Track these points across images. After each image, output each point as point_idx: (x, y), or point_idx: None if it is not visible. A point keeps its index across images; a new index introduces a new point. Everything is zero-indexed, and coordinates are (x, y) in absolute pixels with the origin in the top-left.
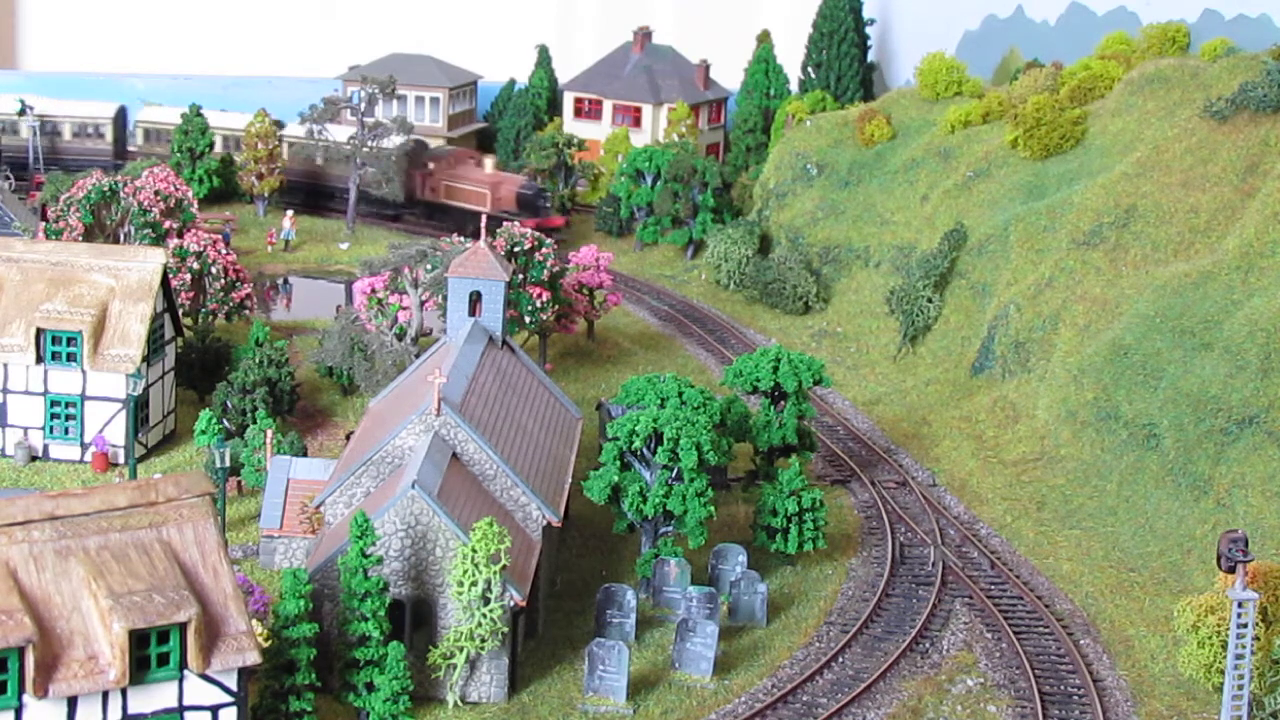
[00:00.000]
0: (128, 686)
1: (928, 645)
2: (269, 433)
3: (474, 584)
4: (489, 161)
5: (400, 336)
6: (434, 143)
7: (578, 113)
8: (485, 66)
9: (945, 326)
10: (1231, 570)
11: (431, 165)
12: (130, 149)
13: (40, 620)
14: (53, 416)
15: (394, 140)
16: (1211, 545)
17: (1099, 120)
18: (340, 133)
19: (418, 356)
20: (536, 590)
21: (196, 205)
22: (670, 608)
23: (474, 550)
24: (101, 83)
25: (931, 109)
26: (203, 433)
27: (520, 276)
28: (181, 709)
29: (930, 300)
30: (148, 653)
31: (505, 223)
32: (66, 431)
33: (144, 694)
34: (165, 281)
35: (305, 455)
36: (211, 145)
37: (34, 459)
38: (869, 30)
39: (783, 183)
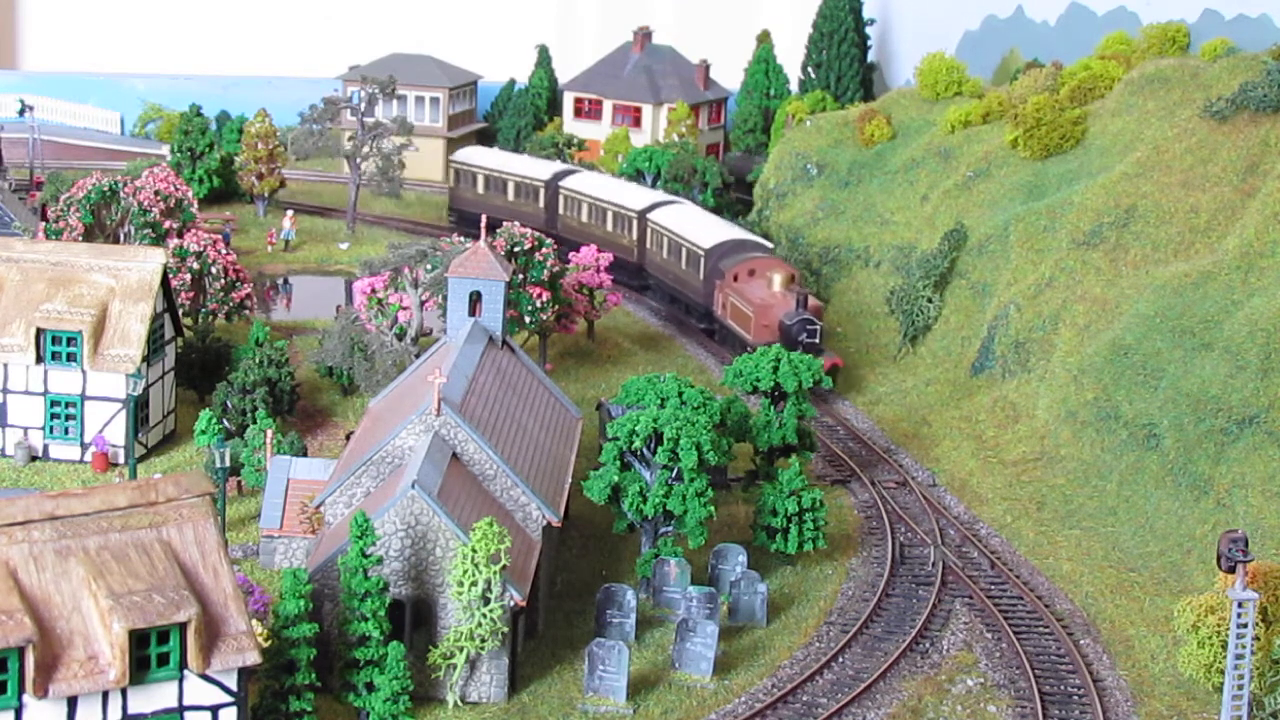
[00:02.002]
0: (128, 686)
1: (928, 645)
2: (269, 433)
3: (474, 584)
4: (779, 276)
5: (400, 336)
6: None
7: (578, 113)
8: (485, 66)
9: (945, 326)
10: (1231, 570)
11: (730, 274)
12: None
13: (40, 620)
14: (53, 416)
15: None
16: (1211, 545)
17: (1099, 120)
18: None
19: (418, 356)
20: (536, 590)
21: (196, 205)
22: (670, 608)
23: (474, 550)
24: (102, 83)
25: (931, 109)
26: (203, 433)
27: (520, 276)
28: (181, 709)
29: (930, 300)
30: (148, 653)
31: (506, 224)
32: (66, 431)
33: (144, 694)
34: (165, 281)
35: (305, 455)
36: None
37: (34, 459)
38: (869, 30)
39: (783, 183)
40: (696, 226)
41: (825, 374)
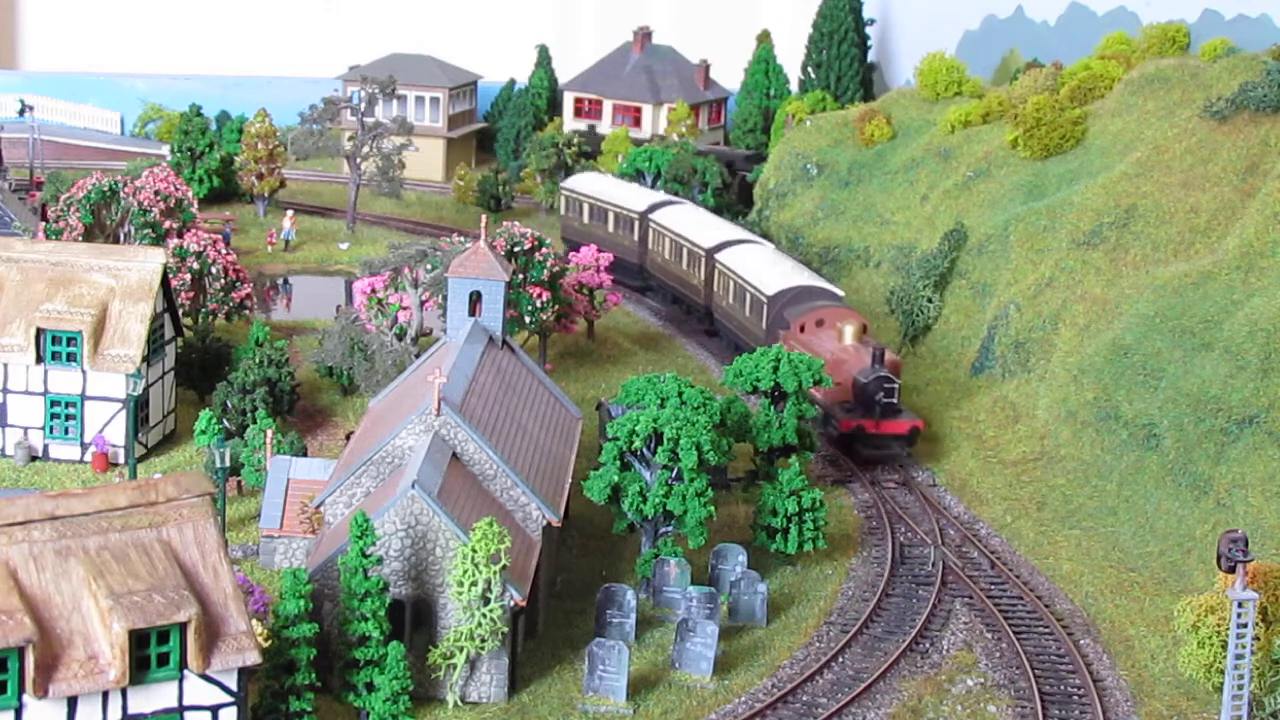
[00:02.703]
0: (128, 686)
1: (928, 645)
2: (269, 433)
3: (474, 584)
4: (850, 328)
5: (400, 336)
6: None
7: (578, 113)
8: (485, 66)
9: (945, 326)
10: (1231, 570)
11: (797, 324)
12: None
13: (40, 620)
14: (53, 416)
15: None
16: (1211, 545)
17: (1099, 120)
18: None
19: (418, 356)
20: (536, 590)
21: (196, 205)
22: (670, 608)
23: (474, 550)
24: (102, 83)
25: (931, 109)
26: (203, 433)
27: (520, 276)
28: (181, 709)
29: (930, 300)
30: (148, 653)
31: (506, 224)
32: (66, 431)
33: (144, 694)
34: (165, 281)
35: (305, 455)
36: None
37: (34, 459)
38: (869, 30)
39: (783, 183)
40: (761, 269)
41: (904, 435)
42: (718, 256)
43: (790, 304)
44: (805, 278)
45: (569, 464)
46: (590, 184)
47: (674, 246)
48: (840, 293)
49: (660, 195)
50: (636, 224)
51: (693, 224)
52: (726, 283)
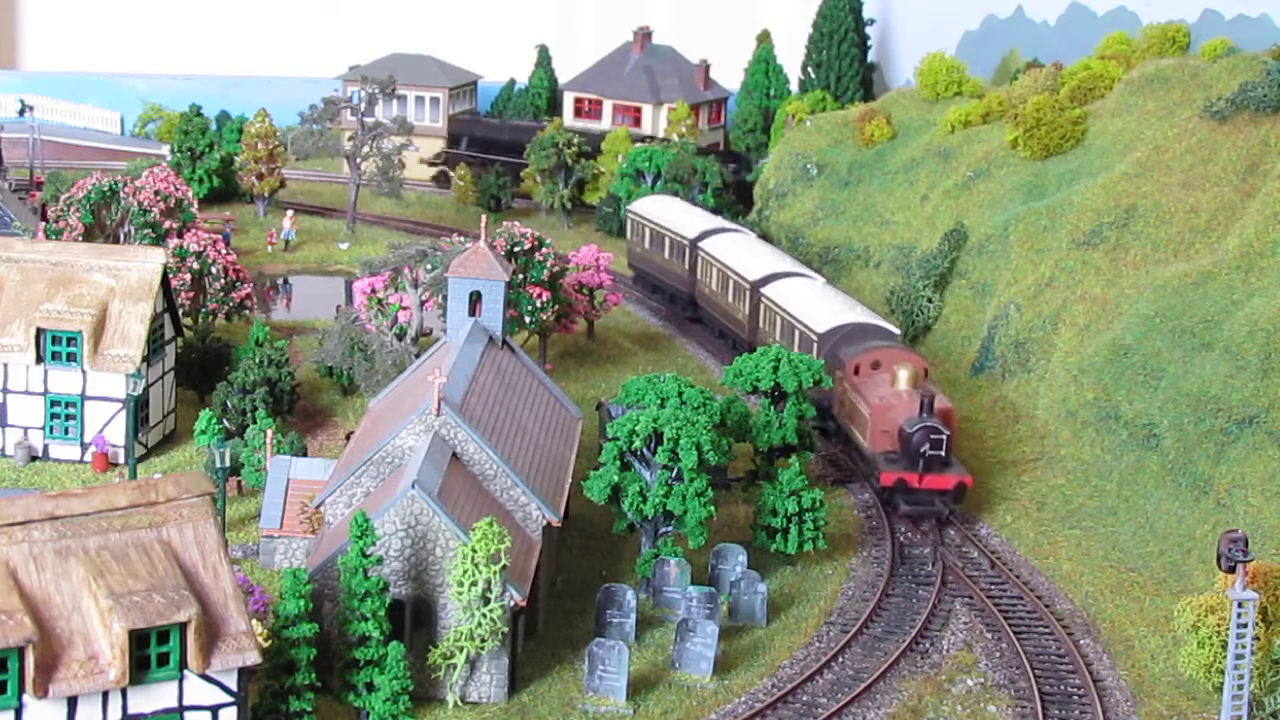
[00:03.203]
0: (128, 686)
1: (928, 645)
2: (269, 433)
3: (474, 584)
4: (905, 372)
5: (400, 336)
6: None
7: (578, 113)
8: (485, 66)
9: (945, 326)
10: (1231, 570)
11: (850, 365)
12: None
13: (40, 620)
14: (53, 416)
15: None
16: (1211, 545)
17: (1099, 120)
18: None
19: (418, 356)
20: (536, 590)
21: (196, 205)
22: (670, 608)
23: (474, 550)
24: (102, 83)
25: (931, 109)
26: (203, 433)
27: (520, 276)
28: (181, 709)
29: (930, 300)
30: (148, 653)
31: (506, 224)
32: (66, 431)
33: (144, 694)
34: (165, 281)
35: (305, 455)
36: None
37: (34, 459)
38: (869, 30)
39: (783, 183)
40: (812, 305)
41: (950, 491)
42: (764, 290)
43: (842, 343)
44: (858, 314)
45: (569, 464)
46: (653, 207)
47: (721, 277)
48: (895, 330)
49: (717, 221)
50: (687, 252)
51: (740, 253)
52: (773, 319)
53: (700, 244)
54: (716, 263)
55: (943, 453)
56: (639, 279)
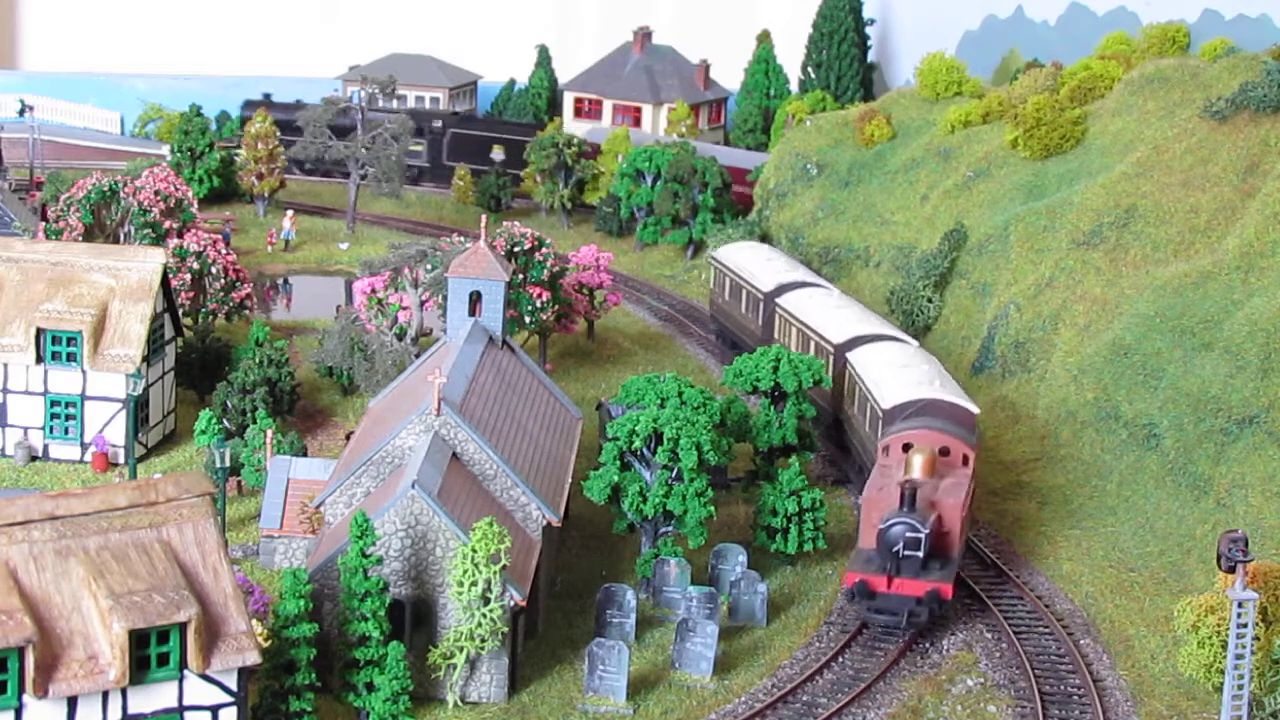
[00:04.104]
0: (128, 686)
1: (928, 645)
2: (269, 433)
3: (474, 584)
4: (919, 458)
5: (400, 336)
6: None
7: (578, 113)
8: (485, 66)
9: (945, 326)
10: (1231, 570)
11: (882, 446)
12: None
13: (40, 620)
14: (53, 416)
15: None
16: (1211, 545)
17: (1099, 120)
18: None
19: (418, 356)
20: (536, 590)
21: (196, 205)
22: (670, 608)
23: (474, 550)
24: (102, 83)
25: (931, 109)
26: (203, 433)
27: (520, 276)
28: (181, 709)
29: (930, 300)
30: (148, 653)
31: (506, 224)
32: (66, 431)
33: (144, 694)
34: (165, 281)
35: (305, 455)
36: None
37: (34, 459)
38: (869, 30)
39: (783, 183)
40: (889, 374)
41: (919, 599)
42: (850, 355)
43: (899, 420)
44: (935, 389)
45: (569, 464)
46: (735, 255)
47: (801, 337)
48: (974, 409)
49: (799, 274)
50: (762, 306)
51: (823, 311)
52: (854, 388)
53: (777, 299)
54: (796, 321)
55: (920, 552)
56: (720, 335)
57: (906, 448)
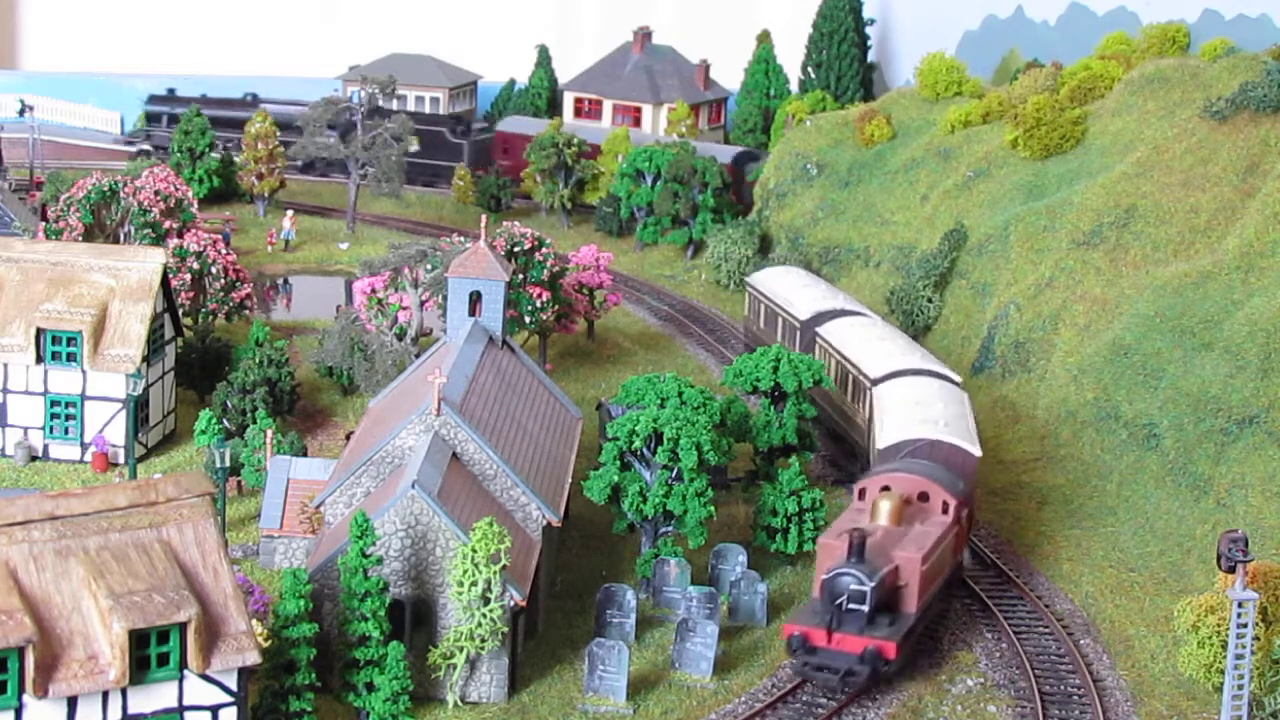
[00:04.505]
0: (128, 686)
1: (928, 645)
2: (269, 433)
3: (474, 584)
4: (886, 504)
5: (400, 336)
6: None
7: (578, 113)
8: (485, 66)
9: (945, 326)
10: (1231, 570)
11: (859, 489)
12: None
13: (40, 620)
14: (53, 416)
15: None
16: (1211, 545)
17: (1099, 120)
18: None
19: (418, 356)
20: (536, 590)
21: (196, 205)
22: (670, 608)
23: (474, 550)
24: (102, 83)
25: (931, 109)
26: (203, 433)
27: (520, 276)
28: (181, 709)
29: (930, 300)
30: (148, 653)
31: (506, 224)
32: (66, 431)
33: (144, 694)
34: (165, 281)
35: (305, 455)
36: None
37: (34, 459)
38: (869, 30)
39: (783, 183)
40: (899, 412)
41: (858, 657)
42: (876, 390)
43: (885, 464)
44: (938, 430)
45: (569, 464)
46: (771, 281)
47: (839, 370)
48: (976, 452)
49: (837, 301)
50: (799, 336)
51: (864, 342)
52: (877, 424)
53: (817, 328)
54: (835, 353)
55: (864, 608)
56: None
57: (884, 488)
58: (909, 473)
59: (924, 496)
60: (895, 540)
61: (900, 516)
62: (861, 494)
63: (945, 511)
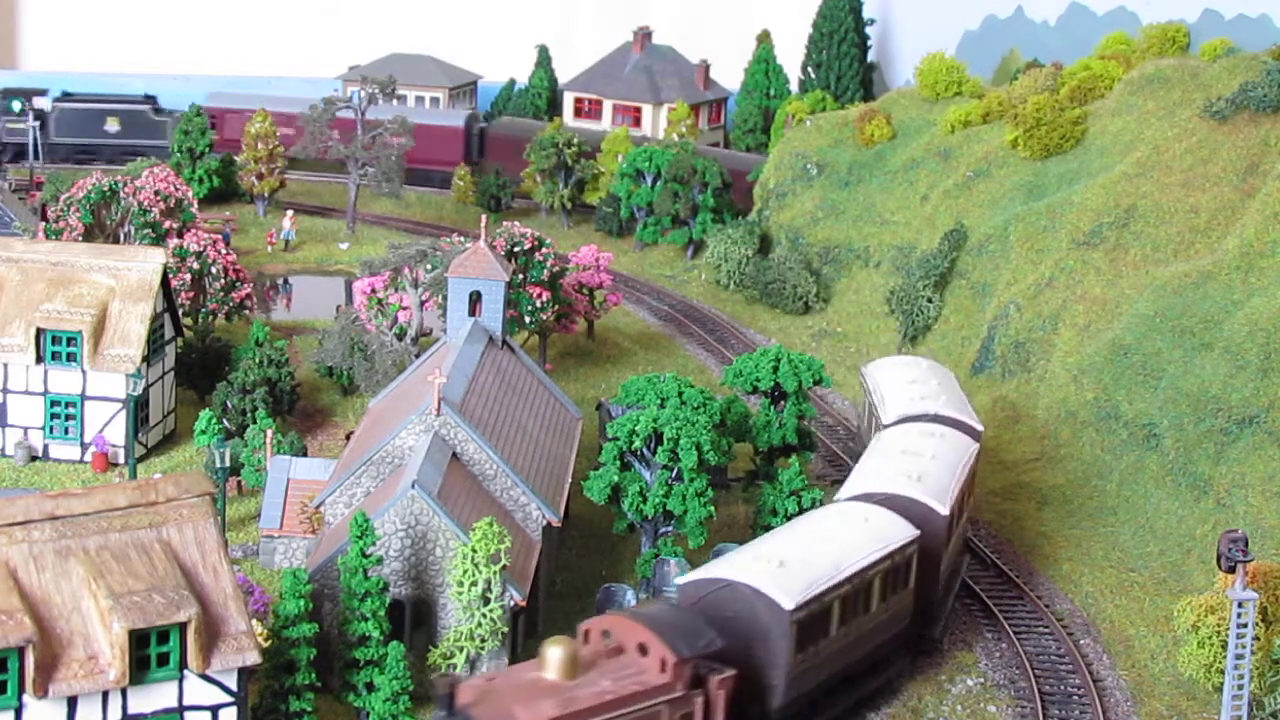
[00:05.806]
0: (128, 686)
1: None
2: (269, 433)
3: (474, 584)
4: (555, 651)
5: (400, 336)
6: None
7: (578, 113)
8: (485, 66)
9: (945, 326)
10: (1231, 570)
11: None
12: None
13: (40, 620)
14: (53, 416)
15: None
16: (1211, 545)
17: (1099, 120)
18: None
19: (418, 356)
20: (536, 590)
21: (196, 205)
22: None
23: (474, 550)
24: (101, 83)
25: (931, 109)
26: (203, 433)
27: (520, 276)
28: (181, 709)
29: (930, 300)
30: (148, 653)
31: (505, 224)
32: (66, 431)
33: (144, 694)
34: (165, 281)
35: (305, 455)
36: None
37: (34, 459)
38: (869, 30)
39: (783, 183)
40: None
41: None
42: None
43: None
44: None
45: (569, 464)
46: (879, 371)
47: None
48: (942, 511)
49: (936, 404)
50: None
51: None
52: None
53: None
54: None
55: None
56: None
57: (604, 634)
58: (635, 620)
59: (642, 649)
60: (536, 696)
61: (573, 670)
62: (586, 636)
63: (664, 670)
